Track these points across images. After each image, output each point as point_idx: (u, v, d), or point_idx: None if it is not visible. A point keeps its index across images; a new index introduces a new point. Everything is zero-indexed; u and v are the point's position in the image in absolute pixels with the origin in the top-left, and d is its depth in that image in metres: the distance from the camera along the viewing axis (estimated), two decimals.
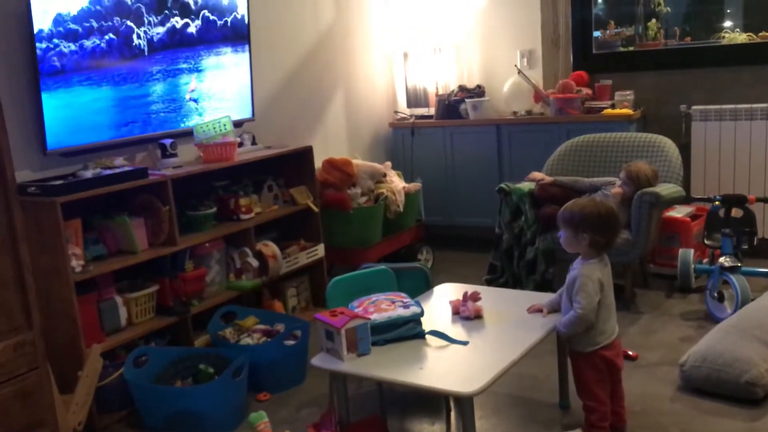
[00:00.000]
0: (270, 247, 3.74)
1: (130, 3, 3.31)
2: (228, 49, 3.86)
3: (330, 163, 4.31)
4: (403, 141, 5.22)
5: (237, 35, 3.90)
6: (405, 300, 2.59)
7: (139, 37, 3.37)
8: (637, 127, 4.48)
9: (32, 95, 3.02)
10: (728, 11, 4.88)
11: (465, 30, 5.15)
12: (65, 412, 2.56)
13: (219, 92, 3.84)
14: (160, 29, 3.47)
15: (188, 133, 3.62)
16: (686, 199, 4.01)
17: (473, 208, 4.96)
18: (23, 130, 3.03)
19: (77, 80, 3.13)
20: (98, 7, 3.17)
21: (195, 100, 3.71)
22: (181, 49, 3.59)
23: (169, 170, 3.36)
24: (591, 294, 2.39)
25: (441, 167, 5.07)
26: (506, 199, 4.09)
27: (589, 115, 4.55)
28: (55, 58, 3.03)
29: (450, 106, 5.03)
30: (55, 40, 3.02)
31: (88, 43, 3.14)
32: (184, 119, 3.66)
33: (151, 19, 3.41)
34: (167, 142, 3.49)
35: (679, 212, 4.18)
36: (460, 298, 2.71)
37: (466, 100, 4.94)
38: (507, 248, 4.09)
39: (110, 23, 3.22)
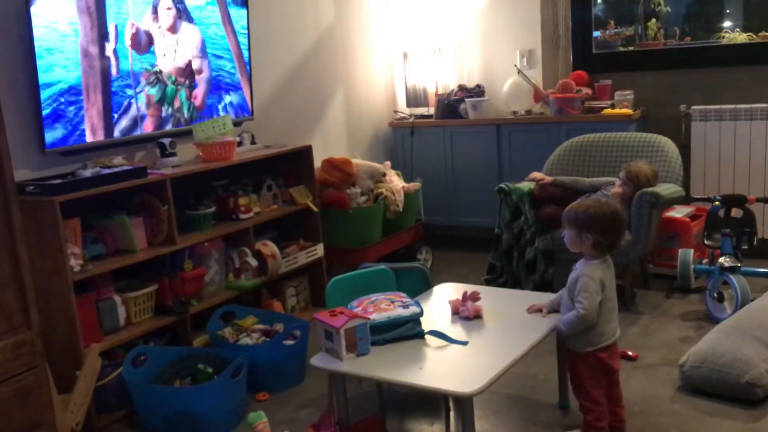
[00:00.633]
0: (269, 247, 3.73)
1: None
2: None
3: (329, 163, 4.30)
4: (402, 141, 5.21)
5: None
6: (404, 300, 2.59)
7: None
8: (636, 127, 4.48)
9: (31, 94, 3.01)
10: (728, 11, 4.88)
11: (465, 30, 5.14)
12: (63, 412, 2.56)
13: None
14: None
15: (187, 133, 3.61)
16: (686, 200, 4.01)
17: (473, 208, 4.95)
18: (22, 128, 3.02)
19: None
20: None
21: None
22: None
23: (168, 169, 3.35)
24: (593, 294, 2.39)
25: (441, 167, 5.07)
26: (506, 199, 4.08)
27: (588, 115, 4.55)
28: None
29: (450, 106, 5.03)
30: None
31: None
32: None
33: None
34: (166, 141, 3.49)
35: (678, 212, 4.18)
36: (460, 298, 2.71)
37: (466, 100, 4.94)
38: (507, 248, 4.08)
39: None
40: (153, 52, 3.47)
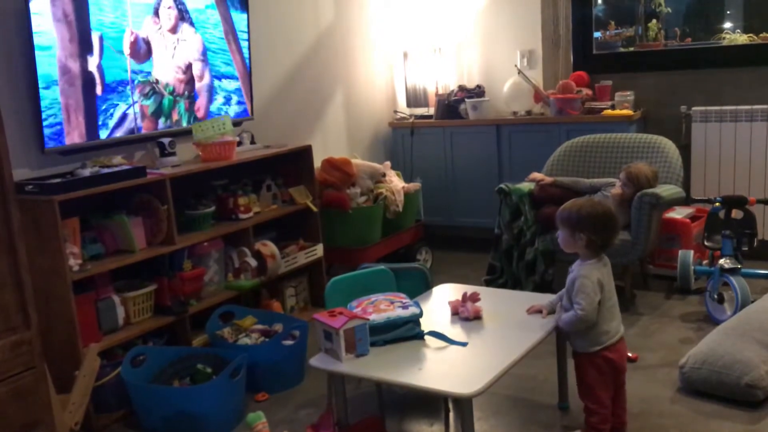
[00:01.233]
0: (269, 247, 3.73)
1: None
2: None
3: (329, 163, 4.30)
4: (402, 141, 5.21)
5: None
6: (404, 300, 2.58)
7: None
8: (637, 128, 4.48)
9: (30, 93, 3.01)
10: (729, 12, 4.88)
11: (465, 30, 5.14)
12: (62, 411, 2.56)
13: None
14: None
15: (187, 132, 3.61)
16: (686, 201, 4.00)
17: (473, 208, 4.95)
18: (21, 128, 3.01)
19: None
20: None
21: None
22: None
23: (168, 169, 3.35)
24: (590, 294, 2.38)
25: (440, 167, 5.07)
26: (506, 199, 4.08)
27: (589, 116, 4.55)
28: None
29: (450, 106, 5.03)
30: None
31: None
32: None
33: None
34: (166, 140, 3.48)
35: (679, 213, 4.18)
36: (460, 298, 2.70)
37: (466, 100, 4.94)
38: (506, 249, 4.08)
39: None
40: (151, 62, 3.46)
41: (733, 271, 3.51)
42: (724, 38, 4.59)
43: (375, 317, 2.44)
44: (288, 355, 3.18)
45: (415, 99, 5.32)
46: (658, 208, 3.69)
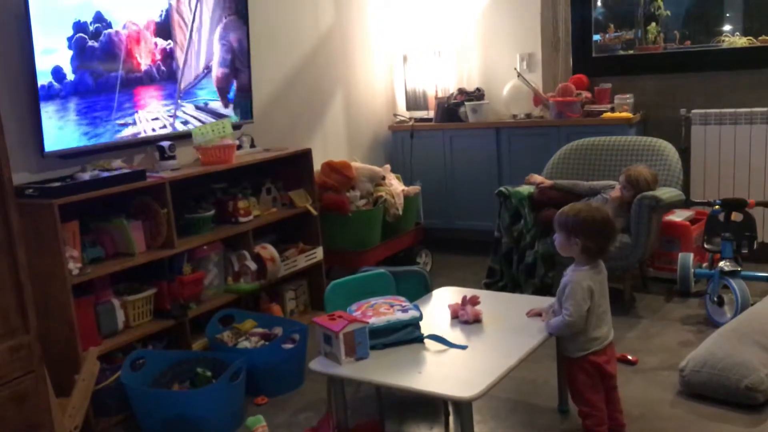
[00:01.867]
0: (268, 250, 3.72)
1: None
2: None
3: (329, 166, 4.30)
4: (402, 144, 5.21)
5: None
6: (404, 304, 2.58)
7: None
8: (636, 131, 4.48)
9: (30, 97, 3.01)
10: (728, 15, 4.88)
11: (465, 33, 5.14)
12: (62, 415, 2.55)
13: None
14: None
15: (187, 136, 3.61)
16: (686, 203, 4.00)
17: (472, 211, 4.95)
18: (21, 131, 3.02)
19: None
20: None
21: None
22: None
23: (168, 173, 3.35)
24: (579, 301, 2.38)
25: (440, 170, 5.07)
26: (505, 202, 4.08)
27: (588, 119, 4.55)
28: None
29: (449, 109, 5.03)
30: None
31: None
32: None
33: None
34: (165, 144, 3.48)
35: (678, 216, 4.18)
36: (459, 301, 2.70)
37: (466, 103, 4.94)
38: (506, 252, 4.08)
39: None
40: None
41: (732, 274, 3.51)
42: (723, 41, 4.59)
43: (375, 320, 2.44)
44: (288, 359, 3.17)
45: (414, 102, 5.33)
46: (657, 211, 3.69)
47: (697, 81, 4.52)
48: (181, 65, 3.63)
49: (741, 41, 4.51)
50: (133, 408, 2.92)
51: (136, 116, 3.40)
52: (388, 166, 4.70)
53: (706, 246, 3.80)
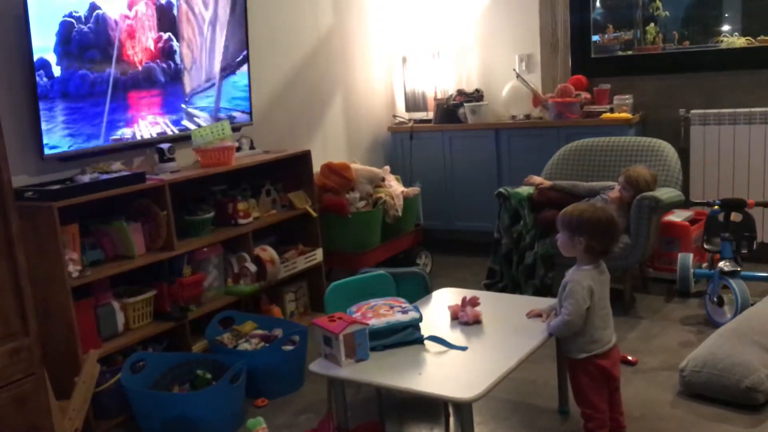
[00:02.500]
0: (268, 252, 3.72)
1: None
2: None
3: (328, 168, 4.30)
4: (401, 145, 5.21)
5: None
6: (403, 305, 2.58)
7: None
8: (635, 131, 4.48)
9: (29, 99, 3.01)
10: (727, 15, 4.89)
11: (464, 34, 5.15)
12: (62, 418, 2.55)
13: None
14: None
15: (186, 138, 3.61)
16: (685, 204, 4.00)
17: (472, 212, 4.95)
18: (20, 134, 3.02)
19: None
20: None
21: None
22: None
23: (167, 175, 3.35)
24: (579, 301, 2.37)
25: (440, 171, 5.07)
26: (505, 203, 4.08)
27: (587, 120, 4.55)
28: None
29: (449, 111, 5.03)
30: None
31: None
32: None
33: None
34: (165, 146, 3.48)
35: (678, 216, 4.18)
36: (459, 303, 2.70)
37: (465, 105, 4.94)
38: (506, 253, 4.08)
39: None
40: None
41: (732, 274, 3.51)
42: (722, 41, 4.59)
43: (374, 322, 2.44)
44: (288, 361, 3.17)
45: (414, 103, 5.33)
46: (657, 212, 3.69)
47: (696, 81, 4.52)
48: (188, 65, 3.61)
49: (740, 42, 4.52)
50: (133, 410, 2.92)
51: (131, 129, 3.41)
52: (387, 168, 4.70)
53: (705, 246, 3.80)
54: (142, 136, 3.45)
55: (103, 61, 3.23)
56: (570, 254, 2.49)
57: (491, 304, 2.78)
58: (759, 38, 4.46)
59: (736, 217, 3.69)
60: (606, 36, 4.99)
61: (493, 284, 4.12)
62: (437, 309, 2.82)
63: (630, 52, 4.95)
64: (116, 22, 3.26)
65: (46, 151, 3.03)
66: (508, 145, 4.81)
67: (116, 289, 3.15)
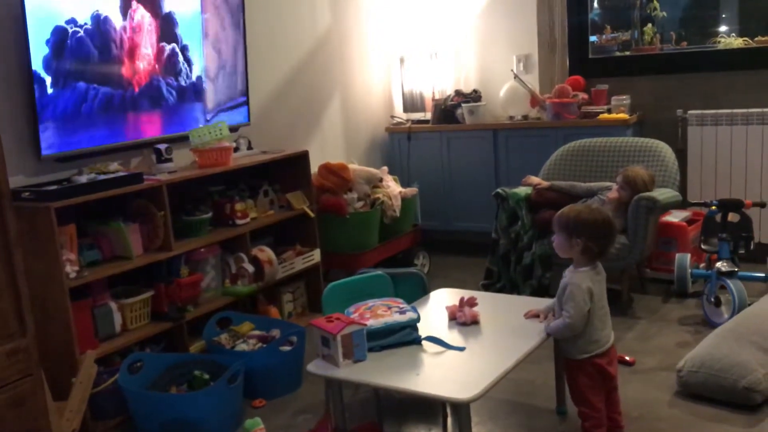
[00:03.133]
0: (266, 253, 3.72)
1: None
2: None
3: (326, 168, 4.30)
4: (399, 146, 5.21)
5: None
6: (401, 305, 2.58)
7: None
8: (633, 132, 4.49)
9: (26, 100, 3.01)
10: (724, 16, 4.89)
11: (462, 35, 5.15)
12: (59, 419, 2.54)
13: None
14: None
15: (184, 138, 3.61)
16: (683, 204, 4.01)
17: (470, 212, 4.95)
18: (17, 135, 3.01)
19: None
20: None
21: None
22: None
23: (165, 175, 3.35)
24: (580, 303, 2.38)
25: (438, 172, 5.07)
26: (503, 203, 4.08)
27: (585, 120, 4.55)
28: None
29: (446, 111, 5.03)
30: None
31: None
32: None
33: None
34: (162, 146, 3.48)
35: (675, 217, 4.18)
36: (457, 303, 2.70)
37: (463, 105, 4.94)
38: (504, 253, 4.08)
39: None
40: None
41: (730, 275, 3.51)
42: (719, 42, 4.60)
43: (372, 322, 2.44)
44: (285, 361, 3.17)
45: (411, 104, 5.33)
46: (654, 212, 3.69)
47: (694, 82, 4.53)
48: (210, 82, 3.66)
49: (737, 42, 4.53)
50: (130, 411, 2.91)
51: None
52: (385, 168, 4.70)
53: (703, 246, 3.80)
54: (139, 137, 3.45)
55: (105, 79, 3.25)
56: (566, 255, 2.49)
57: (489, 304, 2.78)
58: (756, 39, 4.47)
59: (733, 217, 3.69)
60: (603, 36, 4.99)
61: (490, 285, 4.12)
62: (435, 309, 2.82)
63: (627, 53, 4.95)
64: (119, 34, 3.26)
65: (44, 152, 3.03)
66: (505, 146, 4.81)
67: (114, 289, 3.15)
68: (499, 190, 4.14)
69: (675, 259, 3.93)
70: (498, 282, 4.11)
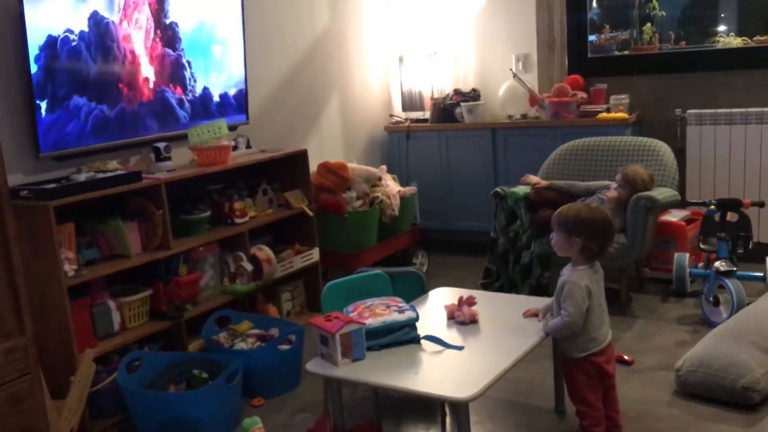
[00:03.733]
0: (264, 251, 3.72)
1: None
2: None
3: (325, 167, 4.30)
4: (398, 145, 5.21)
5: None
6: (400, 304, 2.58)
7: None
8: (632, 131, 4.49)
9: (25, 98, 3.00)
10: (723, 16, 4.89)
11: (460, 34, 5.15)
12: (57, 418, 2.54)
13: None
14: None
15: (182, 137, 3.60)
16: (682, 203, 4.01)
17: (469, 212, 4.95)
18: (16, 133, 3.01)
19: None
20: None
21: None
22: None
23: (163, 174, 3.34)
24: (578, 301, 2.38)
25: (436, 171, 5.07)
26: (502, 203, 4.08)
27: (584, 119, 4.55)
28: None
29: (445, 110, 5.03)
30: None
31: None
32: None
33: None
34: (161, 145, 3.47)
35: (674, 216, 4.18)
36: (456, 302, 2.70)
37: (462, 104, 4.94)
38: (502, 252, 4.08)
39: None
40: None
41: (728, 274, 3.52)
42: (718, 41, 4.60)
43: (371, 321, 2.44)
44: (284, 360, 3.17)
45: (410, 103, 5.33)
46: (653, 211, 3.69)
47: (693, 81, 4.53)
48: None
49: (736, 42, 4.53)
50: (129, 410, 2.91)
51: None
52: (384, 167, 4.70)
53: (701, 246, 3.81)
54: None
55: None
56: (565, 254, 2.49)
57: (488, 303, 2.78)
58: (755, 38, 4.47)
59: (732, 217, 3.70)
60: (602, 36, 4.99)
61: (489, 284, 4.12)
62: (434, 308, 2.82)
63: (626, 52, 4.95)
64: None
65: (42, 150, 3.02)
66: (504, 145, 4.81)
67: (112, 288, 3.14)
68: (497, 189, 4.14)
69: (674, 258, 3.93)
70: (497, 281, 4.11)
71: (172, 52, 3.54)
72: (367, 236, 4.35)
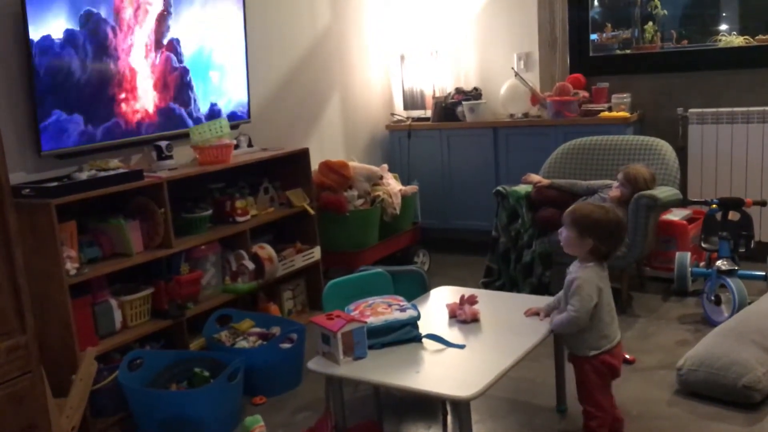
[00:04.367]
0: (266, 250, 3.72)
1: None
2: None
3: (326, 166, 4.30)
4: (399, 143, 5.21)
5: None
6: (401, 303, 2.58)
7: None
8: (634, 130, 4.49)
9: (27, 96, 3.00)
10: (725, 14, 4.89)
11: (462, 32, 5.14)
12: (59, 416, 2.55)
13: None
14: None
15: (184, 135, 3.60)
16: (683, 203, 4.01)
17: (470, 210, 4.95)
18: (17, 131, 3.01)
19: None
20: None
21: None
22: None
23: (165, 172, 3.35)
24: (585, 298, 2.38)
25: (438, 170, 5.07)
26: (503, 201, 4.08)
27: (586, 118, 4.55)
28: None
29: (447, 109, 5.03)
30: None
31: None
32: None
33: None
34: (163, 144, 3.48)
35: (676, 215, 4.18)
36: (457, 301, 2.70)
37: (463, 103, 4.94)
38: (504, 251, 4.08)
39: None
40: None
41: (730, 273, 3.51)
42: (720, 40, 4.60)
43: (372, 320, 2.44)
44: (285, 359, 3.17)
45: (412, 101, 5.32)
46: (655, 210, 3.69)
47: (694, 80, 4.52)
48: None
49: (738, 41, 4.52)
50: (130, 408, 2.91)
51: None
52: (385, 166, 4.70)
53: (703, 245, 3.80)
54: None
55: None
56: (573, 252, 2.48)
57: (489, 302, 2.78)
58: (757, 37, 4.46)
59: (733, 216, 3.70)
60: (604, 35, 4.99)
61: (490, 283, 4.12)
62: (435, 307, 2.82)
63: (628, 51, 4.95)
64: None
65: (44, 149, 3.02)
66: (506, 144, 4.81)
67: (114, 286, 3.14)
68: (499, 188, 4.14)
69: (675, 257, 3.93)
70: (498, 280, 4.11)
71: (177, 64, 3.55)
72: (368, 235, 4.35)
